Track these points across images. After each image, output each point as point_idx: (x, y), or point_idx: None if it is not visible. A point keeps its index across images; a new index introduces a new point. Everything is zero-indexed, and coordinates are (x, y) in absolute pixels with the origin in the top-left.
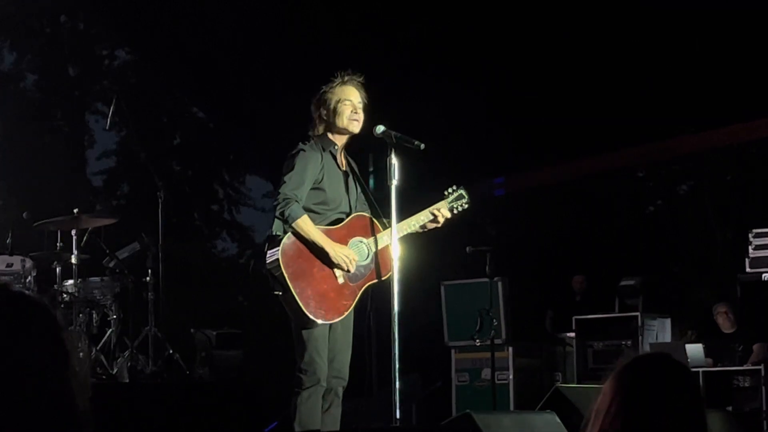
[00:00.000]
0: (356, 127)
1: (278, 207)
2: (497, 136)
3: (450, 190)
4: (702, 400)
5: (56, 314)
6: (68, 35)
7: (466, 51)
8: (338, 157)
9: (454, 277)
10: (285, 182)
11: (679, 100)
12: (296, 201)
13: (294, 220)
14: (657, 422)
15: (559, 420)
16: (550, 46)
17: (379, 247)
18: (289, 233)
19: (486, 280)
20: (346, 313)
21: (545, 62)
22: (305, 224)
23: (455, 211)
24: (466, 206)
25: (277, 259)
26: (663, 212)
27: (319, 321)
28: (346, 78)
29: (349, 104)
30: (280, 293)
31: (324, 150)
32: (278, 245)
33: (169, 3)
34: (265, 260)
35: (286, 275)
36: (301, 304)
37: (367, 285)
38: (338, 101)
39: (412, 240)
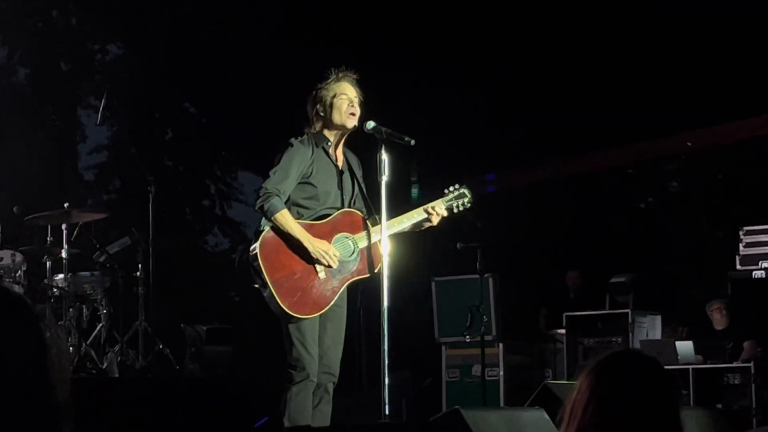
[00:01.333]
0: (353, 122)
1: (258, 201)
2: (489, 133)
3: (451, 188)
4: (675, 394)
5: (35, 307)
6: (60, 30)
7: (459, 48)
8: (332, 152)
9: (444, 274)
10: (269, 177)
11: (670, 99)
12: (277, 195)
13: (273, 214)
14: (632, 416)
15: (548, 417)
16: (543, 44)
17: (367, 244)
18: (269, 227)
19: (477, 276)
20: (326, 308)
21: (538, 60)
22: (284, 218)
23: (455, 210)
24: (469, 205)
25: (257, 252)
26: (654, 210)
27: (297, 315)
28: (340, 75)
29: (346, 98)
30: (260, 286)
31: (317, 146)
32: (259, 239)
33: None
34: (248, 253)
35: (263, 268)
36: (277, 298)
37: (351, 281)
38: (334, 96)
39: (403, 236)
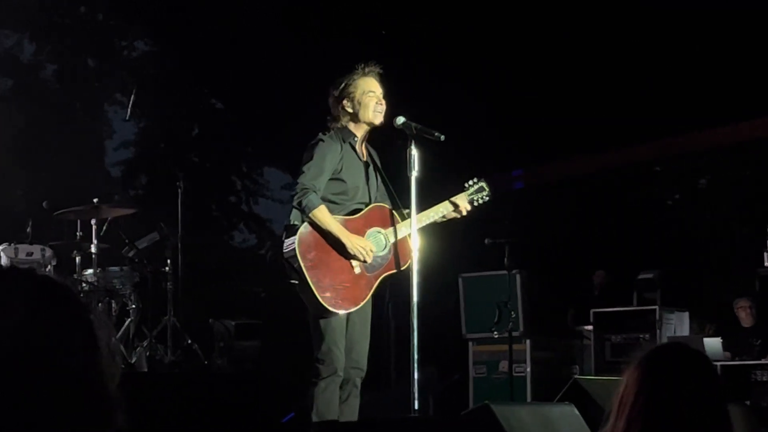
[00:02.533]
0: (380, 119)
1: (296, 197)
2: (516, 129)
3: (471, 182)
4: (721, 386)
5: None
6: (88, 26)
7: (488, 43)
8: (358, 147)
9: (472, 270)
10: (303, 172)
11: (698, 95)
12: (314, 191)
13: (311, 210)
14: (681, 409)
15: (577, 412)
16: (571, 39)
17: (398, 238)
18: (306, 223)
19: (504, 272)
20: (362, 304)
21: (565, 55)
22: (322, 214)
23: (475, 204)
24: (487, 199)
25: (294, 249)
26: (681, 206)
27: (335, 311)
28: (366, 70)
29: (374, 96)
30: (297, 282)
31: (344, 141)
32: (295, 234)
33: None
34: (282, 249)
35: (302, 265)
36: (317, 294)
37: (383, 276)
38: (363, 93)
39: (430, 232)
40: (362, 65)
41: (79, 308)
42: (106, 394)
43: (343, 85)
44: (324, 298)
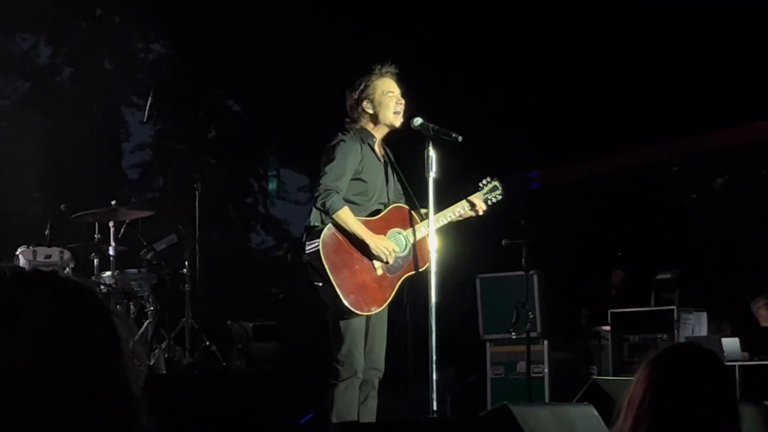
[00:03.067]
0: (400, 120)
1: (319, 198)
2: (533, 130)
3: (484, 181)
4: (733, 386)
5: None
6: (104, 29)
7: (503, 43)
8: (376, 148)
9: (489, 271)
10: (326, 173)
11: (714, 94)
12: (337, 192)
13: (335, 211)
14: (691, 408)
15: (596, 412)
16: (587, 40)
17: (417, 239)
18: (329, 224)
19: (522, 273)
20: (385, 305)
21: (582, 56)
22: (346, 215)
23: (489, 203)
24: (500, 197)
25: (318, 250)
26: (698, 206)
27: (359, 312)
28: (383, 70)
29: (393, 96)
30: (320, 284)
31: (363, 141)
32: (318, 236)
33: None
34: (305, 251)
35: (326, 266)
36: (341, 295)
37: (405, 276)
38: (382, 93)
39: (448, 233)
40: (378, 66)
41: (102, 310)
42: (130, 395)
43: (361, 86)
44: (348, 299)
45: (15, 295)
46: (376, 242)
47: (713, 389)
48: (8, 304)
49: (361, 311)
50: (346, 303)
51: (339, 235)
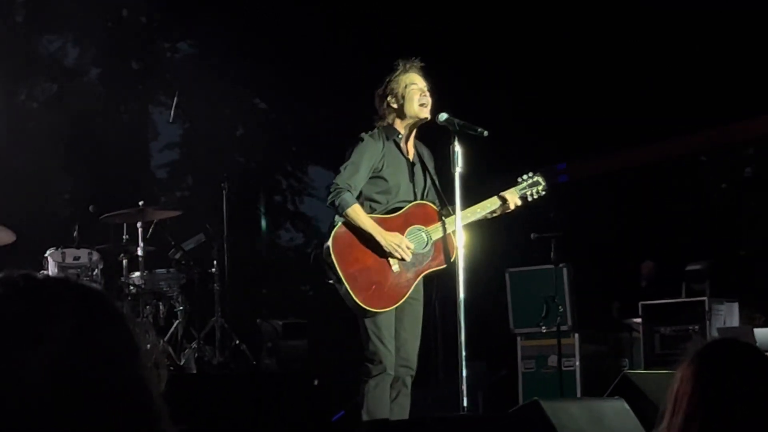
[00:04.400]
0: (426, 112)
1: (330, 197)
2: (560, 122)
3: (525, 176)
4: None
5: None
6: (130, 29)
7: (529, 36)
8: (404, 145)
9: (518, 264)
10: (340, 172)
11: (741, 83)
12: (348, 190)
13: (344, 209)
14: (740, 406)
15: (628, 407)
16: (612, 31)
17: (441, 236)
18: (341, 222)
19: (551, 266)
20: (401, 301)
21: (607, 47)
22: (355, 213)
23: (529, 198)
24: (543, 193)
25: (328, 247)
26: (728, 196)
27: (372, 309)
28: (408, 65)
29: (417, 89)
30: (334, 282)
31: (387, 139)
32: (331, 234)
33: None
34: (323, 249)
35: (336, 263)
36: (351, 293)
37: (425, 273)
38: (405, 87)
39: (476, 228)
40: (403, 61)
41: (119, 317)
42: (150, 403)
43: (386, 82)
44: (359, 296)
45: (36, 307)
46: (387, 239)
47: (762, 384)
48: (29, 316)
49: (374, 308)
50: (356, 300)
51: (350, 233)
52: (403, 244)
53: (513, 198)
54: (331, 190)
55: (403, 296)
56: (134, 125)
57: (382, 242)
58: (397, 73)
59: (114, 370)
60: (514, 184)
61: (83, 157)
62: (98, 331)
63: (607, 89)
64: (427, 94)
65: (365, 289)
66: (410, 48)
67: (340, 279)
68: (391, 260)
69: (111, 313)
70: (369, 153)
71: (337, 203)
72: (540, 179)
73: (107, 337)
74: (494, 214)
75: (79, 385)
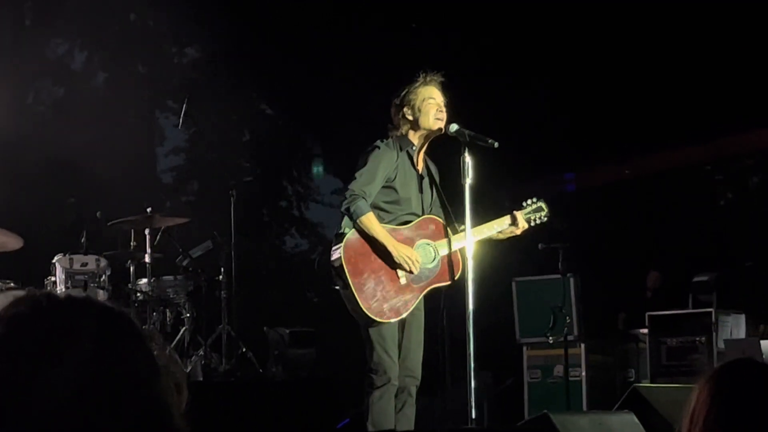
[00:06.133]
0: (439, 125)
1: (344, 203)
2: (567, 132)
3: (529, 201)
4: None
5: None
6: (138, 33)
7: (534, 47)
8: (415, 158)
9: (525, 274)
10: (355, 179)
11: (747, 94)
12: (363, 198)
13: (359, 216)
14: (756, 427)
15: (637, 420)
16: (620, 42)
17: (448, 251)
18: (353, 229)
19: (558, 276)
20: (405, 314)
21: (615, 58)
22: (369, 221)
23: (532, 223)
24: (545, 220)
25: (340, 255)
26: (734, 206)
27: (378, 320)
28: (428, 78)
29: (434, 103)
30: (341, 289)
31: (401, 149)
32: (342, 240)
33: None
34: (330, 255)
35: (347, 270)
36: (359, 301)
37: (430, 288)
38: (423, 100)
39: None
40: (424, 74)
41: (140, 338)
42: (171, 424)
43: (404, 93)
44: (367, 306)
45: (58, 327)
46: (399, 250)
47: None
48: (51, 336)
49: (380, 319)
50: (364, 309)
51: (362, 241)
52: (413, 257)
53: (521, 220)
54: (346, 195)
55: (408, 309)
56: (141, 129)
57: (394, 253)
58: (417, 84)
59: (135, 390)
60: (519, 207)
61: (91, 163)
62: (119, 351)
63: (615, 99)
64: (444, 109)
65: (372, 298)
66: (418, 57)
67: (349, 286)
68: (399, 272)
69: (132, 333)
70: (385, 162)
71: (352, 210)
72: (543, 205)
73: (128, 356)
74: (500, 235)
75: (101, 404)
